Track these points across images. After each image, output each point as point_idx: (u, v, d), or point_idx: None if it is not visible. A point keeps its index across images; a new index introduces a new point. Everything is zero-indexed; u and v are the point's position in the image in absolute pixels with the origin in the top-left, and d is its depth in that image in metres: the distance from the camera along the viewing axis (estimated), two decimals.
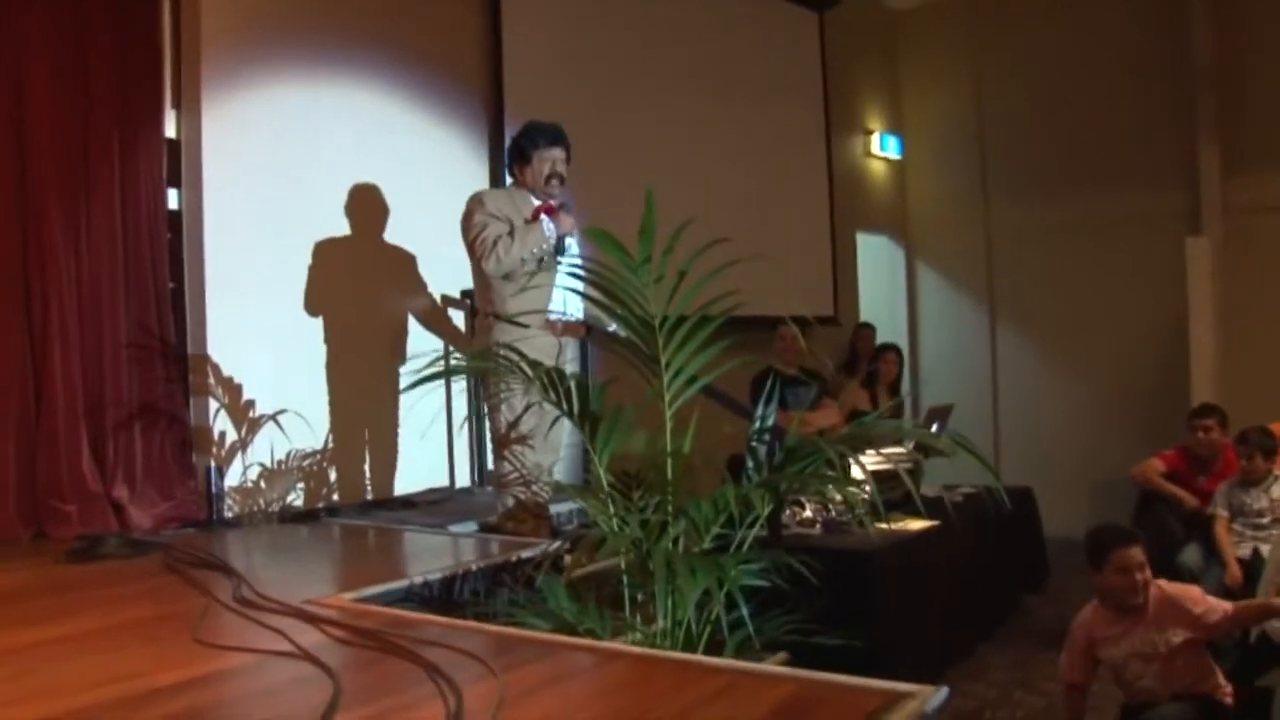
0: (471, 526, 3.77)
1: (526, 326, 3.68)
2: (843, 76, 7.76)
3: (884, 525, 4.66)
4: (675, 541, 2.47)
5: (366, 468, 4.68)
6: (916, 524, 4.68)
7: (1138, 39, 7.46)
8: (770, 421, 2.85)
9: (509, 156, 4.06)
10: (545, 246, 3.77)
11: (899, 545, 4.39)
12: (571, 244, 3.95)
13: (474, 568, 2.96)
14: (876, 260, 8.41)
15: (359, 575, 3.02)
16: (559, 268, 3.84)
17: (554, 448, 3.82)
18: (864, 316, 7.81)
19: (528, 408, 3.62)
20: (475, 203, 3.85)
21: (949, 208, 8.40)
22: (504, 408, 3.71)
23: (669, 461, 2.50)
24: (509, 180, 4.09)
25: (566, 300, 3.85)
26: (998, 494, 2.54)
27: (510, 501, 3.69)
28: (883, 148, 8.30)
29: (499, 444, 3.76)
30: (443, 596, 2.89)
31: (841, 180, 7.69)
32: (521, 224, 3.79)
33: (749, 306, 6.36)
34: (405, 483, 4.78)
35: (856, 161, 8.15)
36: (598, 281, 2.34)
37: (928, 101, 8.50)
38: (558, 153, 3.95)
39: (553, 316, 3.82)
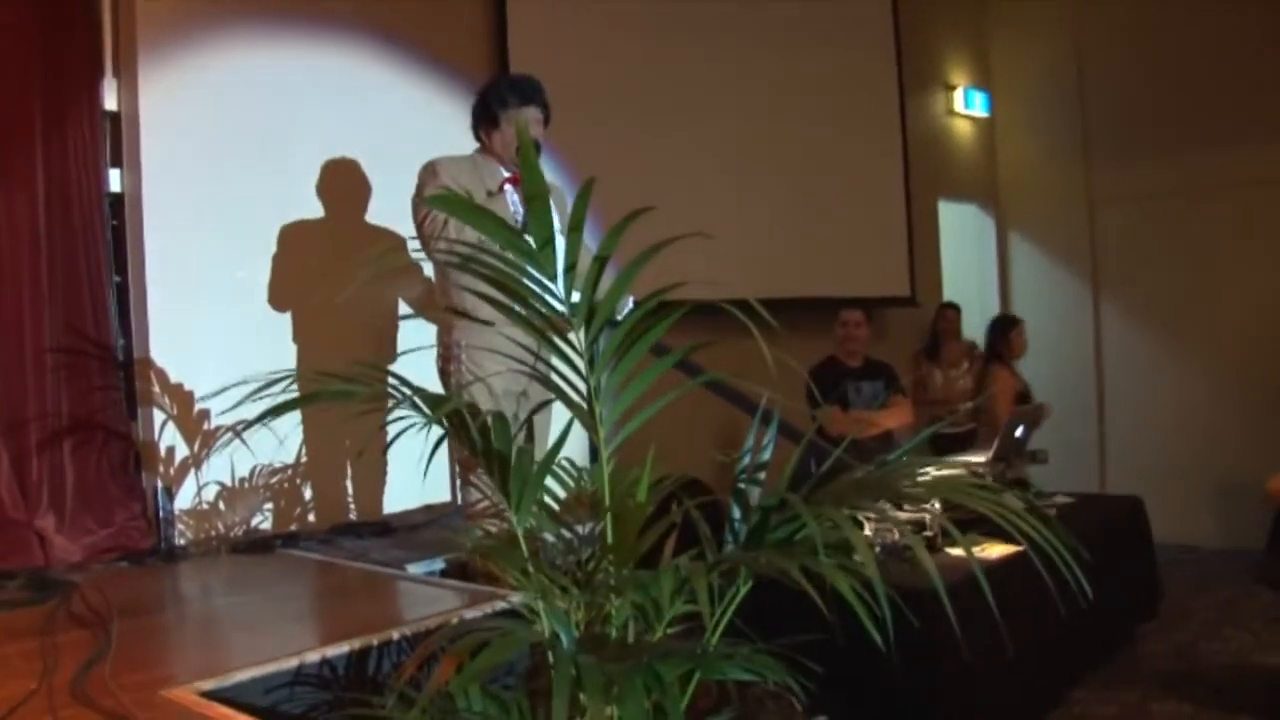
0: (437, 565, 3.13)
1: (490, 323, 3.00)
2: (919, 24, 6.87)
3: (956, 552, 3.93)
4: (619, 631, 1.78)
5: (348, 484, 4.08)
6: (998, 549, 3.89)
7: None
8: (768, 453, 2.12)
9: (474, 118, 3.38)
10: (512, 223, 3.08)
11: (974, 576, 3.62)
12: (551, 214, 3.26)
13: (396, 637, 2.32)
14: (962, 232, 7.52)
15: (260, 642, 2.42)
16: None
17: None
18: (948, 296, 6.95)
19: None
20: (427, 173, 3.20)
21: (1045, 172, 7.44)
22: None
23: (607, 519, 1.81)
24: (476, 147, 3.40)
25: None
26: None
27: (479, 535, 3.04)
28: (967, 105, 7.39)
29: (464, 466, 3.12)
30: (350, 676, 2.25)
31: (919, 143, 6.82)
32: (484, 198, 3.11)
33: (808, 288, 5.71)
34: (399, 499, 4.17)
35: (937, 121, 7.26)
36: (484, 271, 1.65)
37: (1019, 52, 7.53)
38: (532, 113, 3.27)
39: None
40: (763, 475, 2.11)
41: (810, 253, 5.90)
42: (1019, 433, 4.21)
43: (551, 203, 3.31)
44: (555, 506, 2.12)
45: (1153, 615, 4.89)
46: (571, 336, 1.72)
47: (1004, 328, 5.71)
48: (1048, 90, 7.38)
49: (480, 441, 1.82)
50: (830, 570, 1.53)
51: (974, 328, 6.90)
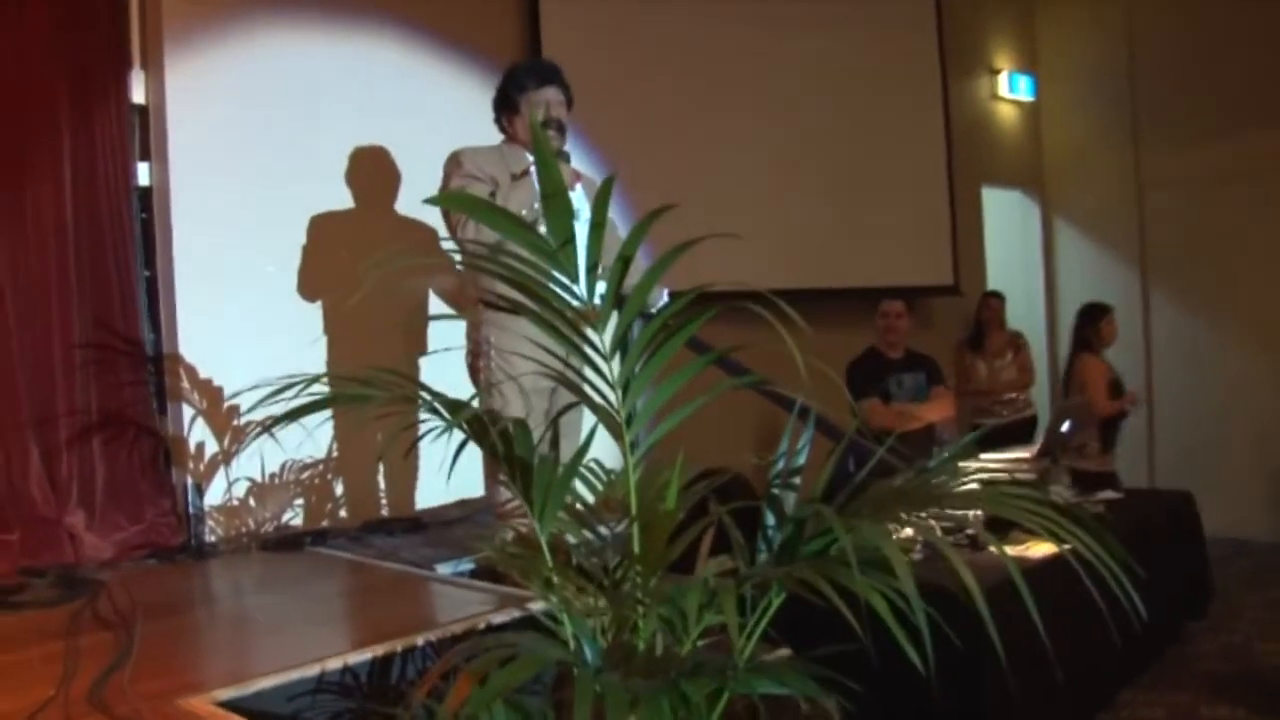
0: (467, 565, 3.07)
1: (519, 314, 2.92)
2: (962, 6, 6.69)
3: (999, 549, 3.82)
4: (646, 642, 1.70)
5: (380, 479, 4.03)
6: (1041, 548, 3.77)
7: None
8: (803, 456, 2.02)
9: (495, 107, 3.31)
10: (536, 206, 3.00)
11: (1020, 574, 3.51)
12: (582, 206, 3.18)
13: (420, 643, 2.26)
14: (1007, 219, 7.34)
15: (284, 645, 2.37)
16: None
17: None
18: (993, 284, 6.78)
19: (527, 416, 2.88)
20: (452, 163, 3.13)
21: (1092, 156, 7.23)
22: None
23: (634, 527, 1.73)
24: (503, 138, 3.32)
25: None
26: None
27: (510, 535, 2.97)
28: (1012, 89, 7.19)
29: (492, 464, 3.04)
30: (373, 684, 2.20)
31: (962, 127, 6.65)
32: (508, 182, 3.04)
33: (847, 278, 5.59)
34: (432, 495, 4.11)
35: (981, 105, 7.08)
36: (500, 271, 1.57)
37: (1066, 33, 7.32)
38: (551, 94, 3.19)
39: None
40: (798, 479, 2.02)
41: (850, 241, 5.77)
42: (1065, 428, 4.08)
43: (583, 192, 3.25)
44: (581, 509, 2.05)
45: (1203, 614, 4.74)
46: (595, 337, 1.64)
47: (1093, 316, 5.46)
48: (1095, 72, 7.17)
49: (502, 447, 1.74)
50: (866, 589, 1.44)
51: (1019, 317, 6.74)
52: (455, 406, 1.75)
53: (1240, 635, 4.66)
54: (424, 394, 1.82)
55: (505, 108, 3.24)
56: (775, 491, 2.00)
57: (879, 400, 4.70)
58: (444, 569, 3.02)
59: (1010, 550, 3.70)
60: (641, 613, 1.71)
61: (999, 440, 6.04)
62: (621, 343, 1.66)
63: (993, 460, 3.97)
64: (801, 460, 2.04)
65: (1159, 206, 7.00)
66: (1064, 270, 7.42)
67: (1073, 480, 5.23)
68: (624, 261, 1.59)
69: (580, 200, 3.19)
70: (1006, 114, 7.28)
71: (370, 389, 1.84)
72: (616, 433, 1.73)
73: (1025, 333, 6.56)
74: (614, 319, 1.72)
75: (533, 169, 3.10)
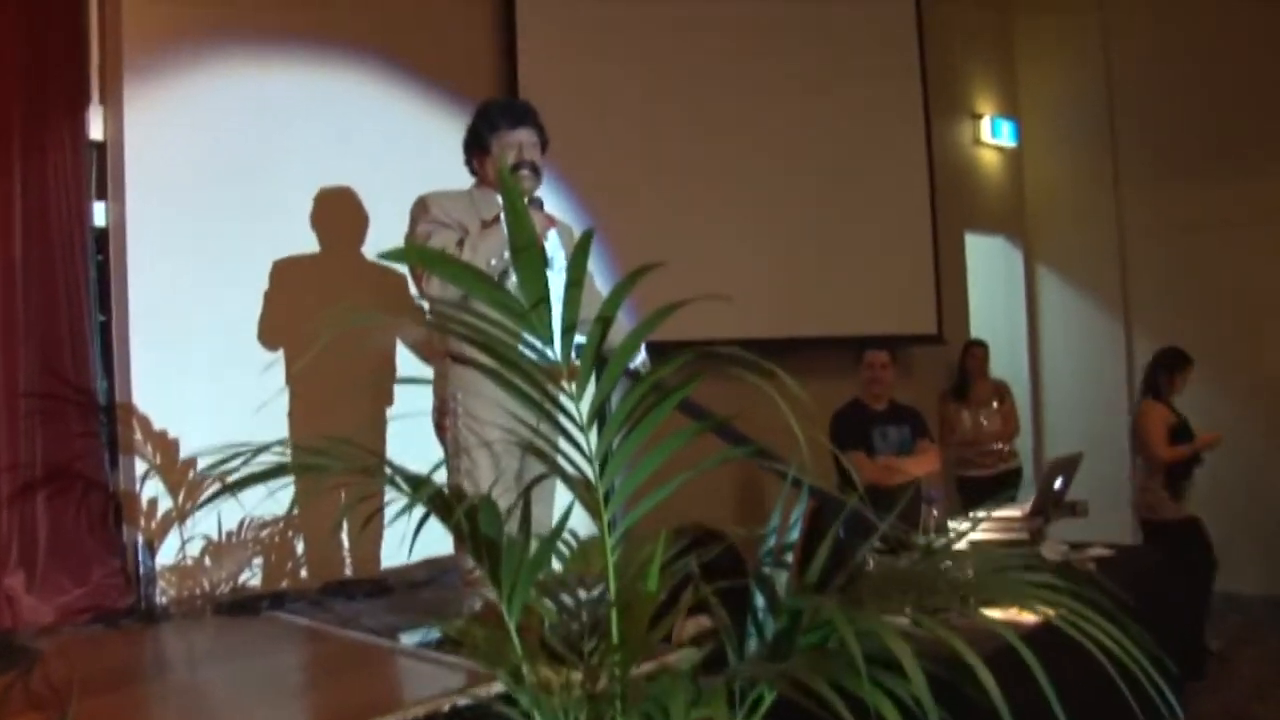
0: (434, 635, 2.87)
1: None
2: (945, 51, 6.64)
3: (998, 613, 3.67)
4: None
5: (344, 537, 3.83)
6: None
7: None
8: (795, 532, 1.87)
9: (465, 148, 3.16)
10: (507, 256, 2.86)
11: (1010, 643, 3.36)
12: (556, 254, 3.03)
13: None
14: (989, 266, 7.26)
15: None
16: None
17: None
18: (975, 333, 6.68)
19: (494, 482, 2.71)
20: (418, 208, 2.97)
21: (1075, 202, 7.17)
22: (465, 481, 2.82)
23: (612, 615, 1.56)
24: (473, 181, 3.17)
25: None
26: None
27: (478, 604, 2.79)
28: (994, 134, 7.14)
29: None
30: None
31: (945, 173, 6.57)
32: (477, 229, 2.88)
33: (829, 327, 5.46)
34: (400, 553, 3.90)
35: (963, 151, 7.01)
36: (465, 332, 1.41)
37: (1047, 80, 7.29)
38: (524, 135, 3.03)
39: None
40: (790, 556, 1.87)
41: (833, 289, 5.65)
42: (1058, 484, 3.94)
43: (558, 241, 3.11)
44: (554, 585, 1.88)
45: (1201, 674, 4.59)
46: (571, 406, 1.49)
47: (1169, 364, 5.34)
48: (1077, 118, 7.14)
49: (467, 526, 1.58)
50: (874, 696, 1.28)
51: (1002, 366, 6.64)
52: (417, 482, 1.59)
53: (1239, 695, 4.55)
54: (386, 467, 1.66)
55: (476, 148, 3.09)
56: (766, 570, 1.84)
57: (863, 454, 4.56)
58: (408, 639, 2.83)
59: (1003, 615, 3.57)
60: (620, 708, 1.54)
61: (984, 493, 5.93)
62: (600, 409, 1.51)
63: (984, 520, 3.82)
64: (794, 535, 1.89)
65: (1142, 252, 6.94)
66: (1047, 317, 7.33)
67: (1151, 533, 5.12)
68: (603, 322, 1.44)
69: (554, 247, 3.04)
70: (989, 159, 7.22)
71: (328, 459, 1.68)
72: (593, 510, 1.57)
73: (1009, 382, 6.45)
74: (592, 385, 1.57)
75: (504, 216, 2.95)
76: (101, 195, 3.51)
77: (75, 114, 3.41)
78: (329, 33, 3.91)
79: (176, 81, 3.52)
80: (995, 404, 6.22)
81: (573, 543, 1.94)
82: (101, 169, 3.51)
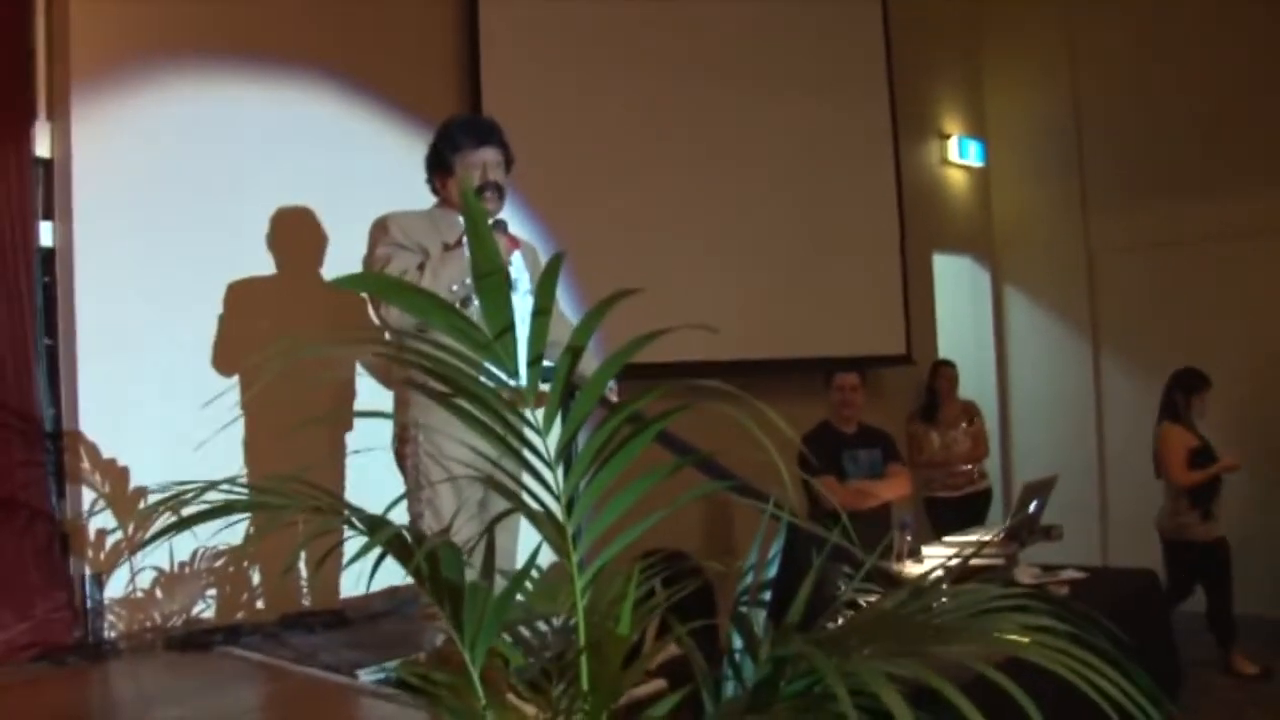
0: (388, 671, 2.76)
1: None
2: (912, 71, 6.63)
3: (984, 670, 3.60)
4: None
5: (302, 567, 3.71)
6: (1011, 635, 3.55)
7: (1265, 18, 6.21)
8: (773, 568, 1.79)
9: (427, 167, 3.05)
10: (468, 281, 2.76)
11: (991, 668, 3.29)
12: (520, 276, 2.94)
13: None
14: (957, 286, 7.25)
15: None
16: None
17: (506, 562, 2.78)
18: (943, 353, 6.65)
19: (456, 512, 2.61)
20: (378, 230, 2.87)
21: (1042, 222, 7.19)
22: (427, 511, 2.72)
23: (583, 658, 1.47)
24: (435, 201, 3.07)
25: None
26: None
27: (439, 639, 2.68)
28: (962, 154, 7.15)
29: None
30: None
31: (913, 193, 6.56)
32: (439, 252, 2.79)
33: (797, 348, 5.40)
34: (360, 581, 3.78)
35: (931, 171, 7.01)
36: (421, 361, 1.33)
37: (1014, 99, 7.31)
38: (488, 155, 2.93)
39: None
40: (768, 595, 1.79)
41: (802, 310, 5.59)
42: (1033, 507, 3.89)
43: (523, 263, 3.02)
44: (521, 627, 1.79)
45: (1175, 697, 4.55)
46: (538, 441, 1.40)
47: (1186, 386, 5.30)
48: (1044, 139, 7.16)
49: (426, 569, 1.48)
50: None
51: (970, 387, 6.61)
52: (375, 524, 1.49)
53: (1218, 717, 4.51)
54: (342, 506, 1.56)
55: (438, 168, 2.98)
56: (743, 609, 1.76)
57: (834, 477, 4.49)
58: (367, 675, 2.71)
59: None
60: None
61: (952, 515, 5.89)
62: (569, 445, 1.42)
63: (957, 545, 3.76)
64: (773, 571, 1.81)
65: (1109, 272, 6.96)
66: (1015, 338, 7.33)
67: (1181, 554, 5.07)
68: (573, 353, 1.35)
69: (519, 269, 2.95)
70: (957, 179, 7.22)
71: (282, 498, 1.58)
72: (561, 550, 1.48)
73: (977, 402, 6.43)
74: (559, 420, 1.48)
75: (465, 242, 2.86)
76: (49, 215, 3.39)
77: (19, 131, 3.28)
78: (285, 48, 3.81)
79: (126, 98, 3.40)
80: (965, 425, 6.19)
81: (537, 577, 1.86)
82: (49, 188, 3.39)
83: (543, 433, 1.39)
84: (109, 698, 2.83)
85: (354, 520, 1.52)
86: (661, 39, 5.10)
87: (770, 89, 5.55)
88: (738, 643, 1.73)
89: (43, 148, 3.37)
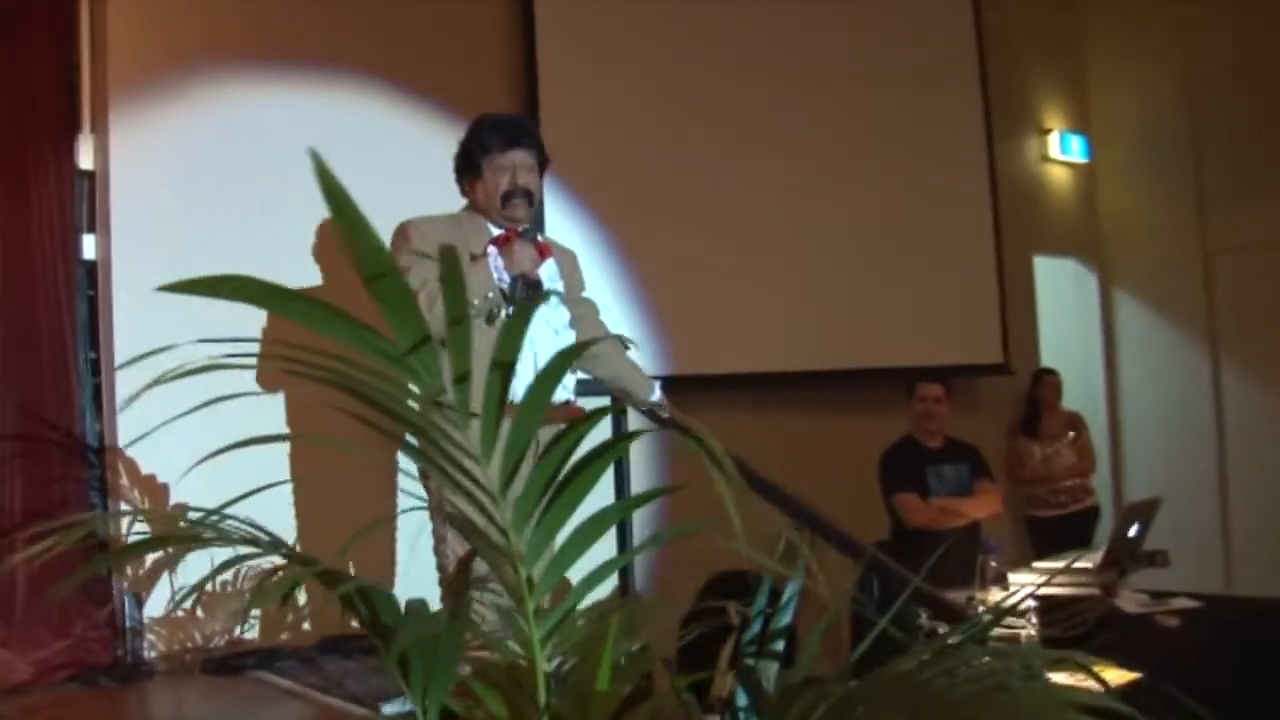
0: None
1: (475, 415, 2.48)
2: (1008, 62, 6.24)
3: (1059, 677, 3.27)
4: None
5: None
6: (1109, 674, 3.21)
7: None
8: (789, 615, 1.55)
9: (456, 170, 2.89)
10: (492, 295, 2.59)
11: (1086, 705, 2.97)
12: (553, 285, 2.76)
13: None
14: (1060, 291, 6.82)
15: None
16: (537, 324, 2.66)
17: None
18: (1046, 362, 6.25)
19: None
20: (399, 236, 2.73)
21: (1153, 221, 6.69)
22: (450, 536, 2.56)
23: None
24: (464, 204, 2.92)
25: (524, 368, 2.65)
26: None
27: (466, 669, 2.50)
28: (1064, 150, 6.70)
29: (448, 587, 2.59)
30: None
31: (1010, 192, 6.16)
32: (467, 262, 2.62)
33: (880, 358, 5.10)
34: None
35: (1030, 168, 6.59)
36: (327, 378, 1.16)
37: (1121, 91, 6.83)
38: (518, 156, 2.75)
39: (516, 398, 2.63)
40: (780, 644, 1.55)
41: (886, 317, 5.27)
42: (1134, 531, 3.54)
43: (556, 271, 2.83)
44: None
45: None
46: (475, 469, 1.21)
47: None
48: (1154, 132, 6.67)
49: (365, 611, 1.31)
50: None
51: (1077, 396, 6.20)
52: (305, 561, 1.33)
53: None
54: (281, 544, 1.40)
55: (466, 170, 2.83)
56: (749, 662, 1.53)
57: (916, 495, 4.19)
58: (389, 708, 2.56)
59: (1073, 680, 3.19)
60: None
61: (1055, 535, 5.50)
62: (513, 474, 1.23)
63: (1050, 571, 3.43)
64: (787, 619, 1.57)
65: (1227, 274, 6.45)
66: (1125, 346, 6.84)
67: None
68: (503, 367, 1.16)
69: (551, 278, 2.77)
70: (1058, 177, 6.79)
71: (218, 531, 1.43)
72: (515, 595, 1.29)
73: (1083, 414, 6.03)
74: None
75: (491, 251, 2.69)
76: (92, 228, 3.35)
77: (59, 143, 3.26)
78: (329, 55, 3.72)
79: (165, 108, 3.35)
80: (1070, 437, 5.82)
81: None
82: (91, 200, 3.35)
83: (481, 460, 1.20)
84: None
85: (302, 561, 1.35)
86: (731, 33, 4.88)
87: (849, 83, 5.27)
88: (742, 700, 1.51)
89: (85, 160, 3.34)
